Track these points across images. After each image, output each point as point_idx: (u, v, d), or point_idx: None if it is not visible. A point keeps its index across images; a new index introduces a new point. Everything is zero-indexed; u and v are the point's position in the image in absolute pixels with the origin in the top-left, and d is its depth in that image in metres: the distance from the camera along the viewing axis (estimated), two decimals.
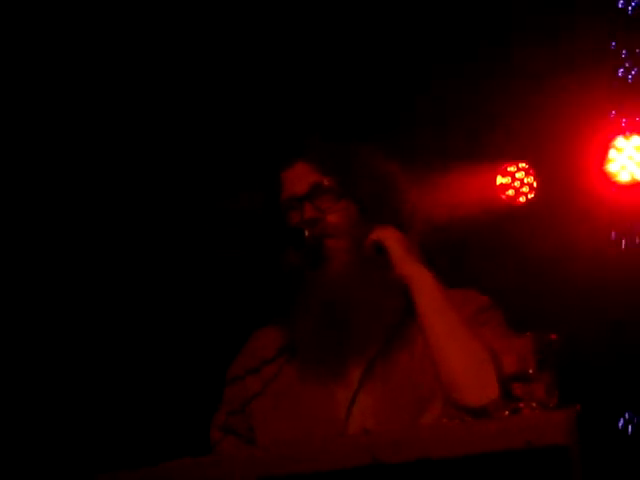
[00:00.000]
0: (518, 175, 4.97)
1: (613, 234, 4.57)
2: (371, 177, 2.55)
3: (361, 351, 2.48)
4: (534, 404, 1.87)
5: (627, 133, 4.70)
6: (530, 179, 4.94)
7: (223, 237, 2.59)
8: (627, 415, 4.30)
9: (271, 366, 2.54)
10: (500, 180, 4.99)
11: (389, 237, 2.46)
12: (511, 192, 4.97)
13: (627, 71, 4.70)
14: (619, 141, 4.72)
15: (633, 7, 4.73)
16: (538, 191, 4.91)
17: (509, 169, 4.98)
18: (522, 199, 4.96)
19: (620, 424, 4.30)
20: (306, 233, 2.47)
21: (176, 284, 4.25)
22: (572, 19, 4.50)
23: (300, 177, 2.55)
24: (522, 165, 4.96)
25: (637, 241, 4.56)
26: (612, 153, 4.70)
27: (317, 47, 4.40)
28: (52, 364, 4.15)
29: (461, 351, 2.30)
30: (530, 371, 1.88)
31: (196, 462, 2.09)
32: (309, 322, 2.50)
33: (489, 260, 4.53)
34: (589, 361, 4.11)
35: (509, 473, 1.78)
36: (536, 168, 4.92)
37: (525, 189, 4.95)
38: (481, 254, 4.56)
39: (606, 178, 4.65)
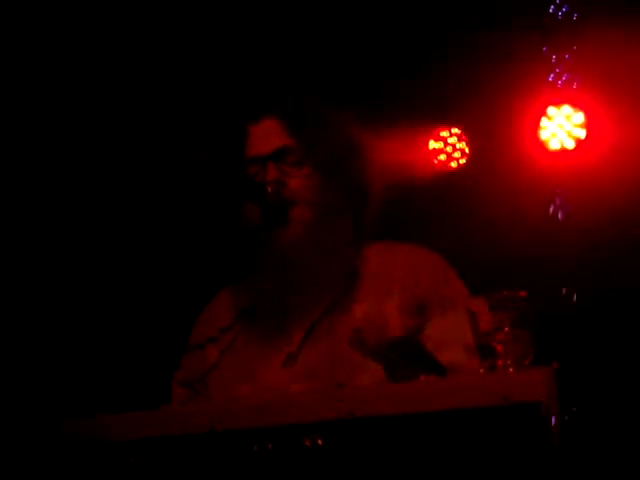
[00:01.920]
0: (450, 140, 5.02)
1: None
2: (335, 142, 2.56)
3: (306, 314, 2.53)
4: (509, 362, 1.90)
5: (559, 103, 4.79)
6: (462, 145, 5.00)
7: (182, 190, 2.55)
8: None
9: (228, 334, 2.59)
10: (432, 145, 5.03)
11: None
12: (443, 157, 5.02)
13: (558, 8, 4.77)
14: (550, 110, 4.80)
15: None
16: (470, 157, 4.97)
17: (442, 134, 5.03)
18: (454, 164, 5.02)
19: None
20: (268, 189, 2.47)
21: (136, 240, 4.20)
22: None
23: (267, 135, 2.54)
24: (455, 130, 5.01)
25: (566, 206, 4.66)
26: (544, 121, 4.78)
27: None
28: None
29: None
30: (506, 329, 1.91)
31: (154, 413, 2.09)
32: (263, 283, 2.53)
33: (423, 224, 4.57)
34: None
35: (486, 428, 1.81)
36: (469, 133, 4.98)
37: (457, 154, 5.01)
38: (414, 218, 4.60)
39: (540, 145, 4.74)
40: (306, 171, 2.52)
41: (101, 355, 4.19)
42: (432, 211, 4.76)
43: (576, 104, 4.78)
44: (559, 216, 4.57)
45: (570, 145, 4.77)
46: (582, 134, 4.78)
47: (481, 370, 1.92)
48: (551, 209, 4.59)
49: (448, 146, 5.02)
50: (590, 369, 4.28)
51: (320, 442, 1.91)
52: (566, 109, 4.79)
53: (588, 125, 4.77)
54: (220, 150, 2.59)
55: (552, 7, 4.77)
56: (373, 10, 4.58)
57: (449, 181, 4.94)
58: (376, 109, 4.61)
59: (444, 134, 5.02)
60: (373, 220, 2.59)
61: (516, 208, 4.57)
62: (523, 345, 1.91)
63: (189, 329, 2.67)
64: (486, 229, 4.57)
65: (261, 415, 1.96)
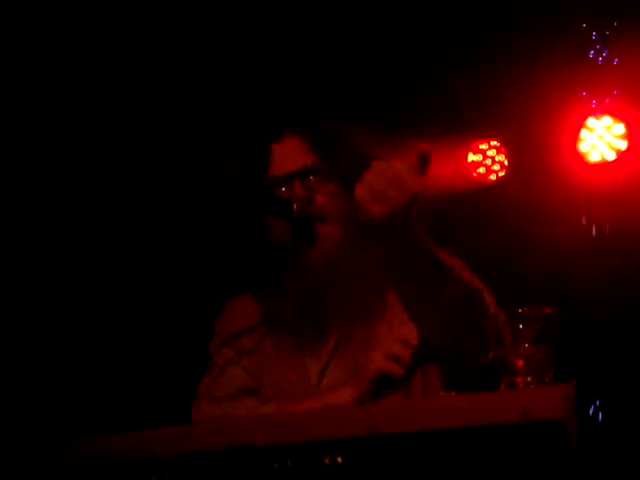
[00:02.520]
0: (489, 153, 4.99)
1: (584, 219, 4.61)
2: (358, 159, 2.55)
3: (334, 329, 2.52)
4: (529, 378, 1.88)
5: (598, 114, 4.74)
6: (501, 157, 4.97)
7: (207, 205, 2.56)
8: (598, 402, 4.35)
9: (252, 335, 2.58)
10: (471, 157, 5.01)
11: None
12: (482, 170, 4.99)
13: (598, 53, 4.72)
14: (590, 121, 4.75)
15: None
16: (509, 169, 4.94)
17: (481, 147, 5.00)
18: (493, 177, 4.99)
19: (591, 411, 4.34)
20: (294, 206, 2.47)
21: (158, 248, 4.22)
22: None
23: (291, 153, 2.54)
24: (494, 143, 4.99)
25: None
26: (583, 133, 4.73)
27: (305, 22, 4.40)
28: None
29: None
30: (526, 345, 1.89)
31: (172, 431, 2.08)
32: (289, 298, 2.52)
33: (461, 237, 4.55)
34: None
35: (506, 446, 1.79)
36: (508, 146, 4.95)
37: (496, 167, 4.98)
38: (453, 231, 4.57)
39: (579, 158, 4.69)
40: (332, 187, 2.53)
41: (111, 370, 4.21)
42: (471, 224, 4.73)
43: (616, 115, 4.73)
44: (592, 230, 4.51)
45: (611, 157, 4.72)
46: (623, 145, 4.73)
47: (501, 387, 1.90)
48: (583, 220, 4.53)
49: (487, 159, 4.99)
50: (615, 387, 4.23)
51: (340, 460, 1.90)
52: (606, 120, 4.75)
53: (629, 136, 4.72)
54: (244, 167, 2.59)
55: (592, 52, 4.71)
56: (413, 23, 4.57)
57: (488, 194, 4.92)
58: (415, 122, 4.62)
59: (483, 147, 5.00)
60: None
61: (556, 221, 4.53)
62: (544, 362, 1.89)
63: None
64: (525, 242, 4.54)
65: (281, 432, 1.96)
